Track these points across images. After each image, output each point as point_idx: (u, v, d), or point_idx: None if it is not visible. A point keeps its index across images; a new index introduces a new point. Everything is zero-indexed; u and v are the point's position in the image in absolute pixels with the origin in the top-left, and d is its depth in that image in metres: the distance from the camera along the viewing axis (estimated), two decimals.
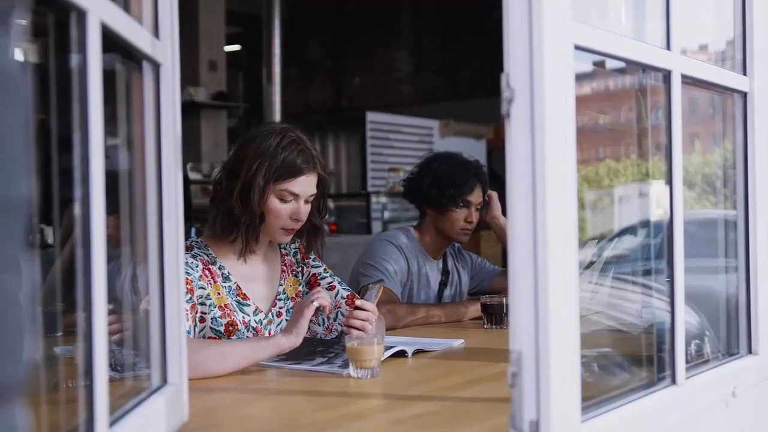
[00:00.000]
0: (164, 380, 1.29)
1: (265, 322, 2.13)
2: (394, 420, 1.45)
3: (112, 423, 1.02)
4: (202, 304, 2.02)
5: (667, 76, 1.43)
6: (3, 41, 0.53)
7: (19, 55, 0.56)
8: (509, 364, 1.11)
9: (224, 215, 2.07)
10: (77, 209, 0.94)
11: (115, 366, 1.25)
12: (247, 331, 2.08)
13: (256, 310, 2.11)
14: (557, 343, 1.10)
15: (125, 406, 1.14)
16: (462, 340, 2.26)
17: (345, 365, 1.82)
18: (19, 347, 0.53)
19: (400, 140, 7.80)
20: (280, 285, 2.21)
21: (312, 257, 2.29)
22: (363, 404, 1.59)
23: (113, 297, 1.07)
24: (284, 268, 2.24)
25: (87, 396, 0.95)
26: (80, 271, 0.94)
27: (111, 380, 0.99)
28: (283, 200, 2.06)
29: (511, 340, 1.11)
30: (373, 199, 7.24)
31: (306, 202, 2.10)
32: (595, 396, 1.26)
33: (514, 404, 1.11)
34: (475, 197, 2.88)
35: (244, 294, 2.11)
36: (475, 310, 2.70)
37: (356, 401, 1.61)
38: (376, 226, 7.11)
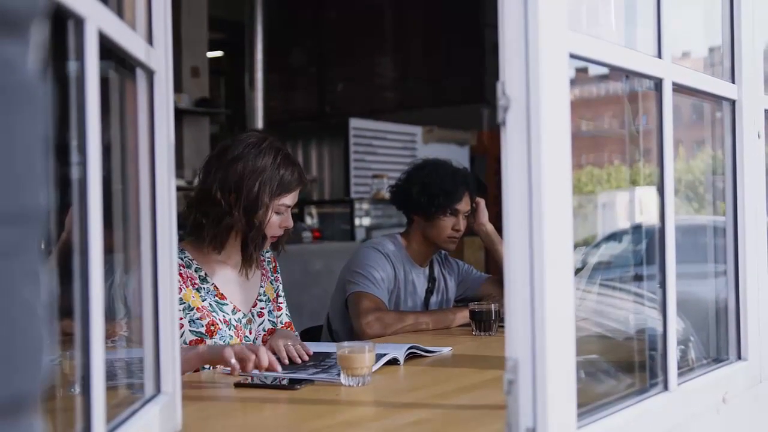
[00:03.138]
0: (158, 389, 1.28)
1: (244, 321, 2.19)
2: (388, 428, 1.44)
3: None
4: None
5: (658, 84, 1.44)
6: (23, 53, 0.53)
7: (37, 66, 0.55)
8: (505, 372, 1.10)
9: (222, 229, 2.11)
10: (75, 217, 0.93)
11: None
12: (229, 329, 2.13)
13: (234, 309, 2.16)
14: (554, 350, 1.10)
15: (120, 415, 1.13)
16: (450, 348, 2.26)
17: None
18: (39, 358, 0.53)
19: (384, 147, 7.78)
20: (261, 286, 2.28)
21: (277, 273, 2.38)
22: (356, 412, 1.58)
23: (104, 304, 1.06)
24: (264, 271, 2.32)
25: (84, 406, 0.94)
26: (77, 280, 0.93)
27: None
28: (278, 213, 2.17)
29: (507, 348, 1.11)
30: (357, 205, 7.22)
31: (291, 210, 2.21)
32: (589, 403, 1.26)
33: (510, 411, 1.11)
34: (464, 205, 2.88)
35: (222, 294, 2.16)
36: (463, 316, 2.71)
37: (349, 409, 1.61)
38: (360, 233, 7.09)
